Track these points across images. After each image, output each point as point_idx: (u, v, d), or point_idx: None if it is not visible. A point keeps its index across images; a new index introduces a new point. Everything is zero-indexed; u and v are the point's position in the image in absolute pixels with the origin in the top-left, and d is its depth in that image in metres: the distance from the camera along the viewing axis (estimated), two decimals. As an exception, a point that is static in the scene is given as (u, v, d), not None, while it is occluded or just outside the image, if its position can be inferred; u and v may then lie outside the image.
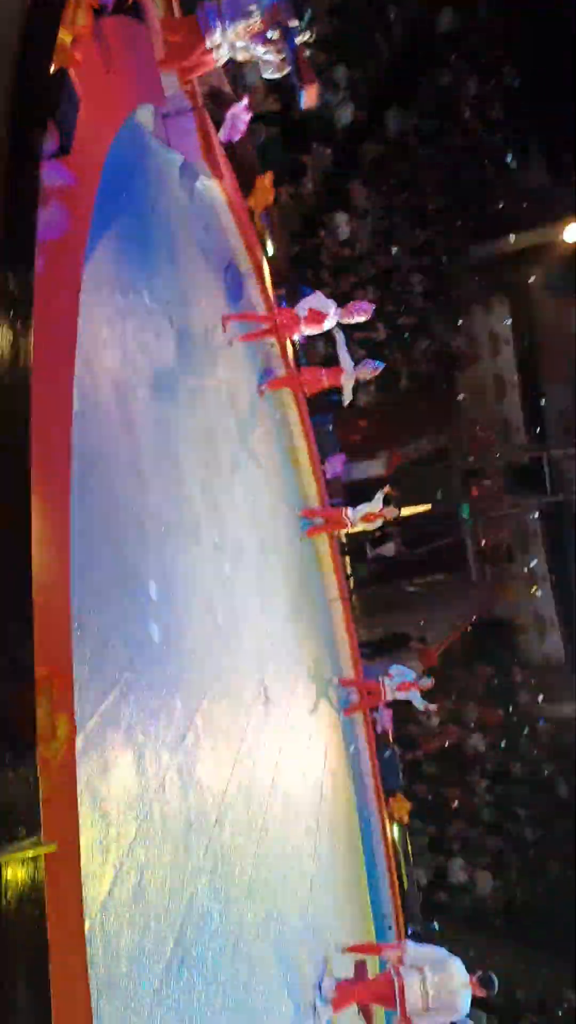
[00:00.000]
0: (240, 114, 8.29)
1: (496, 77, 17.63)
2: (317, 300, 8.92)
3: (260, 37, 6.24)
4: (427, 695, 11.67)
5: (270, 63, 6.39)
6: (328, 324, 8.89)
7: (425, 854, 16.25)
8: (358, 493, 13.75)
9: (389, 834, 11.91)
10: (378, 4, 13.74)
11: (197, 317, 7.48)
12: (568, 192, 18.96)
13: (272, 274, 9.64)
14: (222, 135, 8.23)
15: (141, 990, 3.72)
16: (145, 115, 6.57)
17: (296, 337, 9.64)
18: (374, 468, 15.39)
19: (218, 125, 8.03)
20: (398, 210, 15.29)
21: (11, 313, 2.90)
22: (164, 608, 4.93)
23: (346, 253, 13.40)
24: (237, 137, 8.51)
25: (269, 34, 6.24)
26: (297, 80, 6.51)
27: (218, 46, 6.30)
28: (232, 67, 9.31)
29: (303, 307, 8.93)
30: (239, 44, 6.30)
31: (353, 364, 9.16)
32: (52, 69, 3.34)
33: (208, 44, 6.31)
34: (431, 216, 16.67)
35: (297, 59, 6.42)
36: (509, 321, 20.15)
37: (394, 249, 15.19)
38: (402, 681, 11.53)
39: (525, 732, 20.05)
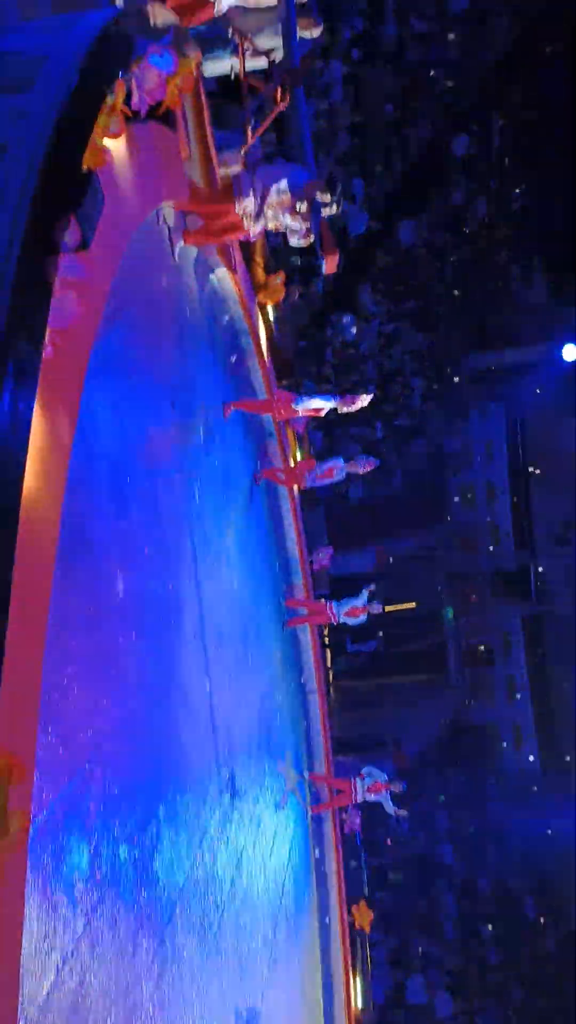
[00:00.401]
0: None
1: (504, 200, 18.56)
2: (318, 401, 9.16)
3: (290, 209, 6.62)
4: (398, 799, 11.40)
5: (296, 231, 6.76)
6: (325, 409, 9.07)
7: (384, 968, 15.56)
8: (343, 586, 13.76)
9: (348, 944, 11.43)
10: (397, 126, 14.58)
11: (199, 403, 7.63)
12: (567, 313, 19.73)
13: (277, 367, 9.88)
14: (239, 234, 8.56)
15: None
16: (167, 209, 6.86)
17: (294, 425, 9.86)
18: (361, 563, 15.43)
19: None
20: (403, 316, 15.85)
21: (16, 393, 2.97)
22: (136, 693, 4.85)
23: (350, 352, 13.81)
24: (254, 237, 8.87)
25: (298, 207, 6.64)
26: (319, 250, 7.02)
27: (249, 215, 6.66)
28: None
29: (303, 405, 9.15)
30: (270, 213, 6.69)
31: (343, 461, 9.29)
32: (82, 168, 3.51)
33: (238, 210, 6.69)
34: (434, 324, 17.26)
35: (321, 231, 6.89)
36: (503, 429, 20.62)
37: (396, 352, 15.67)
38: (374, 782, 11.28)
39: (495, 845, 19.49)
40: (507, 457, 20.57)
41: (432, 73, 14.83)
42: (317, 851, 11.46)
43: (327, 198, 6.75)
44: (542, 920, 19.58)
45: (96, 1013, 3.88)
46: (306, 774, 11.45)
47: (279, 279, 9.51)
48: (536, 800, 21.07)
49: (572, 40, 18.21)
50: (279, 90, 7.59)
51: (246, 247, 8.96)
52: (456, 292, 17.71)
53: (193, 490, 6.99)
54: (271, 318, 9.97)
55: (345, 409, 9.15)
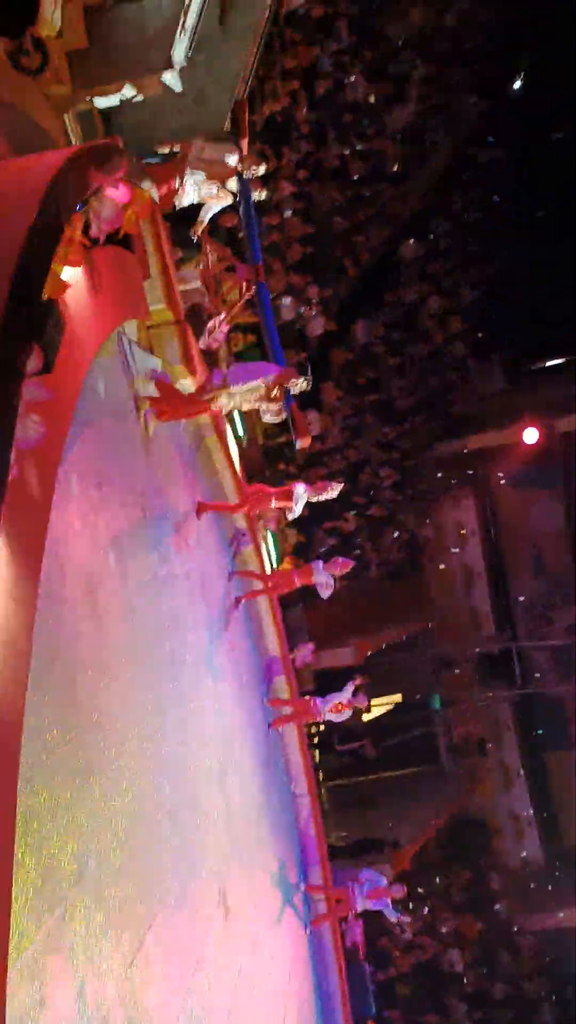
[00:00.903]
0: (219, 326, 9.00)
1: (455, 296, 19.39)
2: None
3: (263, 399, 7.20)
4: (400, 904, 10.96)
5: (269, 411, 7.34)
6: (297, 504, 9.18)
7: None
8: (327, 682, 13.57)
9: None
10: (346, 235, 15.33)
11: (171, 508, 7.68)
12: (525, 397, 20.39)
13: (244, 467, 10.03)
14: (201, 343, 8.86)
15: None
16: (130, 326, 7.09)
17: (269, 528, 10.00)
18: (344, 657, 15.28)
19: (198, 334, 8.66)
20: (366, 409, 16.24)
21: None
22: (117, 812, 4.69)
23: (316, 448, 14.06)
24: (216, 345, 9.17)
25: (270, 396, 7.21)
26: (293, 431, 7.76)
27: (221, 407, 7.21)
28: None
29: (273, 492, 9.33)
30: (241, 401, 7.25)
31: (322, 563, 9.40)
32: (43, 297, 3.64)
33: (212, 407, 7.25)
34: (398, 415, 17.70)
35: (293, 414, 7.51)
36: (474, 513, 20.90)
37: (361, 444, 15.99)
38: (373, 888, 10.87)
39: (506, 946, 18.65)
40: (480, 540, 20.77)
41: (376, 187, 15.74)
42: (319, 966, 10.89)
43: (298, 382, 7.22)
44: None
45: None
46: (301, 885, 11.00)
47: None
48: (544, 894, 20.32)
49: (508, 147, 19.53)
50: (243, 284, 8.36)
51: (209, 354, 9.24)
52: (417, 383, 18.26)
53: (170, 597, 6.95)
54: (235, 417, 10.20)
55: (316, 497, 9.28)
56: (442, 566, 20.93)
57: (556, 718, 21.09)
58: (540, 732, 21.05)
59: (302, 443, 8.12)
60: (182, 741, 6.48)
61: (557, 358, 20.95)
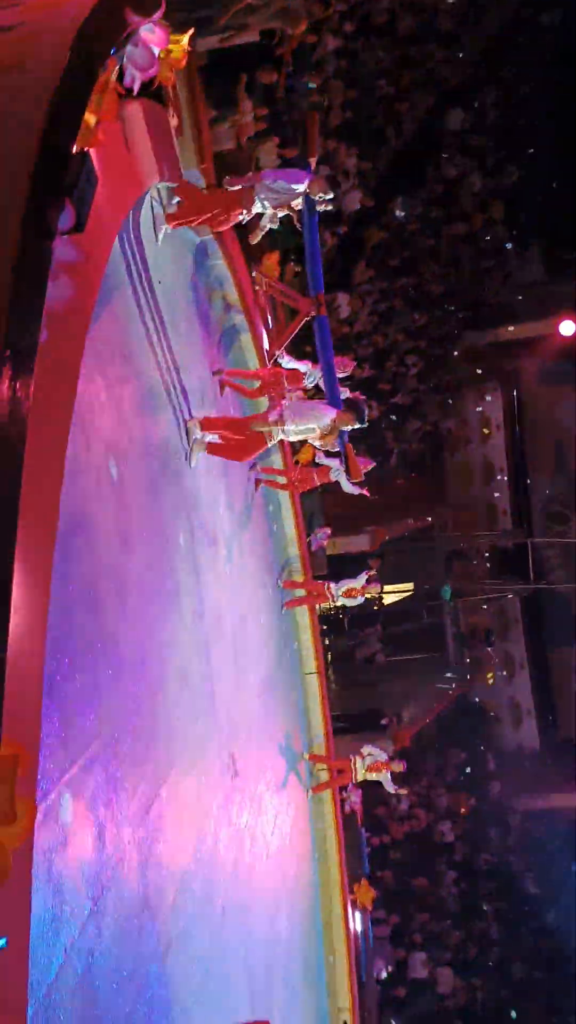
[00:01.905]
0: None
1: (499, 175, 18.39)
2: (298, 364, 9.22)
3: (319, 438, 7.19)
4: (398, 778, 11.47)
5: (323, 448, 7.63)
6: (308, 381, 9.12)
7: (386, 946, 15.72)
8: (342, 567, 13.77)
9: (351, 922, 11.54)
10: (389, 100, 14.39)
11: (195, 384, 7.59)
12: (563, 288, 19.61)
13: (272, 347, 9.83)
14: (233, 213, 8.48)
15: None
16: (160, 190, 6.79)
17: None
18: (359, 543, 15.42)
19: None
20: (398, 294, 15.69)
21: (15, 376, 2.94)
22: (137, 676, 4.86)
23: (344, 331, 13.70)
24: (244, 218, 8.79)
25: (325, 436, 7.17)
26: (345, 469, 8.09)
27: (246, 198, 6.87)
28: (248, 149, 9.70)
29: (288, 363, 9.26)
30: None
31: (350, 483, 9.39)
32: (75, 149, 3.45)
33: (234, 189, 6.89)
34: (430, 302, 17.12)
35: (347, 454, 7.75)
36: (499, 407, 20.56)
37: (391, 330, 15.56)
38: (374, 761, 11.35)
39: (495, 822, 19.65)
40: (504, 435, 20.52)
41: (425, 46, 14.64)
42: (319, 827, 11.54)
43: (353, 424, 7.21)
44: (542, 896, 19.80)
45: (106, 993, 3.91)
46: (306, 755, 11.51)
47: (273, 258, 9.44)
48: (535, 777, 21.23)
49: (567, 13, 18.02)
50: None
51: (239, 226, 8.88)
52: (451, 269, 17.57)
53: (191, 475, 6.96)
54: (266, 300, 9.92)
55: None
56: (463, 459, 20.79)
57: (563, 615, 21.44)
58: (545, 626, 21.44)
59: (354, 479, 8.32)
60: (199, 613, 6.64)
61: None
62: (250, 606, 9.04)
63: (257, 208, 6.86)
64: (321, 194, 7.07)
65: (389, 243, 15.44)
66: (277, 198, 6.87)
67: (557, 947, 19.04)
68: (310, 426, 7.06)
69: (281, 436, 7.11)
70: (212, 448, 6.98)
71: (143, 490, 5.57)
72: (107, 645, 4.46)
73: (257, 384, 9.56)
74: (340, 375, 9.60)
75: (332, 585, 11.40)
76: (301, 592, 11.60)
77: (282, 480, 10.52)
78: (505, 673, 21.27)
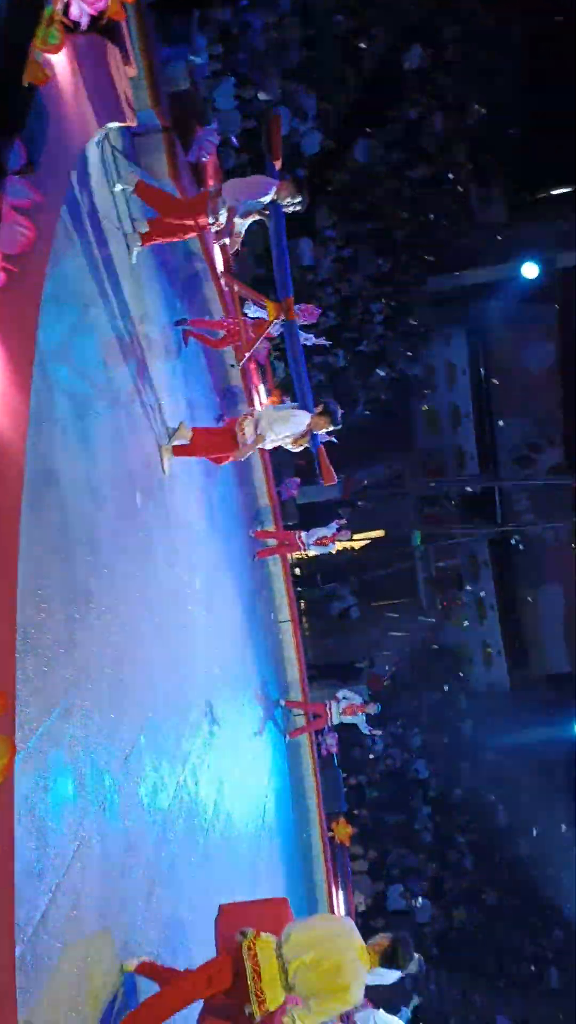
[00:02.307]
0: (208, 136, 8.40)
1: (460, 115, 18.10)
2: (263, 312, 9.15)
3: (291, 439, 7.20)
4: (373, 720, 11.74)
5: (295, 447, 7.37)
6: (274, 330, 9.08)
7: (364, 880, 16.23)
8: (312, 516, 13.84)
9: (330, 857, 11.89)
10: (348, 38, 14.03)
11: (156, 331, 7.49)
12: (526, 230, 19.52)
13: (235, 295, 9.73)
14: (190, 156, 8.31)
15: (73, 1017, 3.65)
16: (113, 133, 6.61)
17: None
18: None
19: (186, 146, 8.11)
20: (361, 239, 15.51)
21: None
22: (112, 625, 4.89)
23: (308, 278, 13.55)
24: (205, 158, 8.61)
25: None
26: (318, 472, 8.01)
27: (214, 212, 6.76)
28: (203, 91, 9.43)
29: (254, 312, 9.22)
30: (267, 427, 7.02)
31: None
32: (23, 84, 3.34)
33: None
34: (393, 246, 16.96)
35: (320, 457, 7.74)
36: (465, 352, 20.57)
37: (356, 277, 15.40)
38: (349, 704, 11.59)
39: (468, 759, 20.22)
40: (470, 380, 20.58)
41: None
42: (297, 769, 11.79)
43: (328, 428, 7.16)
44: (513, 827, 20.52)
45: (89, 925, 4.01)
46: (282, 700, 11.71)
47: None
48: (505, 715, 21.82)
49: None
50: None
51: (198, 171, 8.69)
52: (414, 213, 17.37)
53: (159, 425, 6.91)
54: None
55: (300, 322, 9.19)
56: (430, 405, 20.85)
57: (532, 556, 21.83)
58: (514, 568, 21.81)
59: (327, 483, 8.29)
60: (171, 564, 6.66)
61: (563, 187, 19.91)
62: (222, 557, 9.08)
63: (224, 216, 6.73)
64: (289, 199, 6.96)
65: (352, 187, 15.20)
66: (245, 208, 6.77)
67: (528, 873, 19.83)
68: (285, 433, 7.07)
69: (222, 217, 6.91)
70: (178, 450, 6.98)
71: (110, 440, 5.53)
72: (80, 596, 4.47)
73: (222, 334, 9.49)
74: (305, 323, 9.58)
75: (303, 534, 11.48)
76: (272, 542, 11.67)
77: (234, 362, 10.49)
78: (476, 615, 21.69)
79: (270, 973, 3.95)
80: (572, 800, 21.37)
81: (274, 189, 6.79)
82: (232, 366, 10.47)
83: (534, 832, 20.58)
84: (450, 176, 18.35)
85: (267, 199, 6.81)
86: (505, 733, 21.54)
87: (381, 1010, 7.41)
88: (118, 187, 6.51)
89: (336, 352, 15.35)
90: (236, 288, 8.87)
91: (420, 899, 16.77)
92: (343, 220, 14.72)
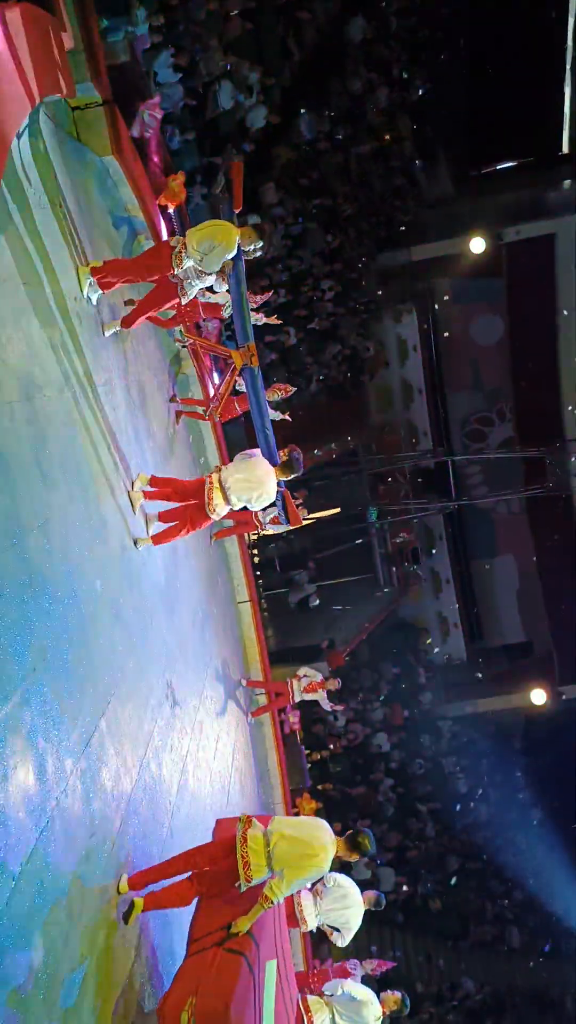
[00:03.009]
0: (152, 111, 8.25)
1: (404, 88, 18.05)
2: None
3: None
4: (334, 696, 11.83)
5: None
6: (226, 312, 9.05)
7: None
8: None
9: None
10: (290, 10, 13.84)
11: (106, 308, 7.37)
12: (472, 204, 19.63)
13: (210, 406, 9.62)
14: (133, 131, 8.15)
15: (33, 1004, 3.64)
16: (53, 106, 6.45)
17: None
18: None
19: (129, 121, 7.95)
20: (309, 215, 15.42)
21: None
22: (68, 611, 4.83)
23: (257, 256, 13.41)
24: (148, 134, 8.46)
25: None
26: (282, 516, 8.23)
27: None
28: (144, 63, 9.23)
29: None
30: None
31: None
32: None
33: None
34: (343, 222, 16.90)
35: (285, 501, 7.78)
36: (416, 328, 20.67)
37: (305, 254, 15.31)
38: (310, 682, 11.65)
39: (428, 730, 20.57)
40: (421, 356, 20.70)
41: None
42: (259, 749, 11.85)
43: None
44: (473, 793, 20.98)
45: (56, 917, 3.99)
46: (243, 680, 11.73)
47: (179, 179, 9.11)
48: (463, 686, 22.23)
49: None
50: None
51: (142, 147, 8.53)
52: (361, 188, 17.32)
53: (111, 407, 6.82)
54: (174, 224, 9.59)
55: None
56: (382, 382, 20.93)
57: (485, 529, 22.18)
58: (468, 541, 22.15)
59: (293, 525, 8.42)
60: (126, 547, 6.60)
61: (508, 161, 20.04)
62: (179, 540, 9.02)
63: (188, 264, 6.64)
64: (251, 245, 6.91)
65: (298, 162, 15.07)
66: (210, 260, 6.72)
67: (489, 838, 20.31)
68: (254, 502, 7.11)
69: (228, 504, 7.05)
70: (157, 538, 7.03)
71: (62, 424, 5.44)
72: (34, 581, 4.41)
73: (172, 314, 9.37)
74: (254, 306, 9.51)
75: (259, 513, 11.44)
76: (229, 522, 11.63)
77: (202, 410, 10.42)
78: (432, 588, 21.98)
79: (255, 847, 4.95)
80: (528, 765, 21.95)
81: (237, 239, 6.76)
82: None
83: (492, 798, 21.08)
84: (396, 151, 18.33)
85: (231, 254, 6.75)
86: (463, 702, 21.98)
87: (349, 980, 7.55)
88: (108, 332, 6.65)
89: (287, 330, 15.27)
90: (197, 342, 8.72)
91: (384, 868, 17.06)
92: (290, 196, 14.60)
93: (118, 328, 6.97)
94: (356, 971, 7.91)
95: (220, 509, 7.04)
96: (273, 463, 7.32)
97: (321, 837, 5.12)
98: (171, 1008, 4.38)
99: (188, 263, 6.64)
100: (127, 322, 6.98)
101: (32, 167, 5.78)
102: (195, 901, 5.22)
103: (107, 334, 6.89)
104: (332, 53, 15.50)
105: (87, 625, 5.15)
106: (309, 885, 7.03)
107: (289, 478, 7.36)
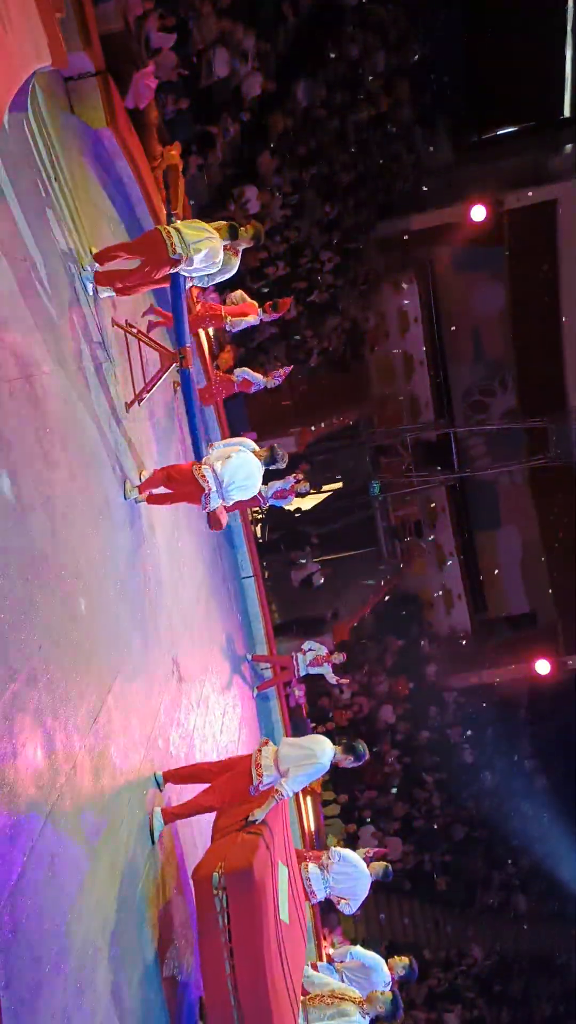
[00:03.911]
0: (146, 79, 8.11)
1: (402, 53, 17.71)
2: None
3: None
4: (339, 669, 11.86)
5: None
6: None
7: (337, 823, 16.60)
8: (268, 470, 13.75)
9: (302, 808, 12.10)
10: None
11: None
12: (472, 171, 19.34)
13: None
14: (128, 101, 8.01)
15: (54, 986, 3.68)
16: (46, 78, 6.32)
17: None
18: (285, 446, 15.39)
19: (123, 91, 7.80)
20: (308, 184, 15.19)
21: None
22: (72, 589, 4.82)
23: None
24: (143, 104, 8.31)
25: None
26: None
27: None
28: (137, 31, 9.05)
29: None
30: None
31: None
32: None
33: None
34: (341, 191, 16.66)
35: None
36: (416, 298, 20.46)
37: (304, 224, 15.10)
38: (315, 656, 11.68)
39: (433, 701, 20.67)
40: (422, 327, 20.50)
41: None
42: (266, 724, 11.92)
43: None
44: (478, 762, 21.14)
45: (68, 888, 4.02)
46: (248, 655, 11.77)
47: (175, 151, 8.97)
48: (468, 657, 22.30)
49: None
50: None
51: (138, 119, 8.38)
52: (360, 156, 17.05)
53: (108, 386, 6.76)
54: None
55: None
56: (382, 354, 20.76)
57: (488, 500, 22.12)
58: (471, 513, 22.12)
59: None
60: (129, 523, 6.58)
61: (509, 126, 19.69)
62: (182, 514, 9.00)
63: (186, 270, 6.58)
64: (245, 244, 7.17)
65: (295, 130, 14.82)
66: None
67: (494, 807, 20.48)
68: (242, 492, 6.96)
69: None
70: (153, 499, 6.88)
71: (63, 401, 5.40)
72: (38, 559, 4.39)
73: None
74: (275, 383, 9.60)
75: (261, 488, 11.40)
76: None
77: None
78: (436, 561, 21.98)
79: (267, 753, 5.87)
80: (534, 734, 22.09)
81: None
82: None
83: (498, 767, 21.24)
84: (394, 117, 18.02)
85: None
86: (468, 674, 22.05)
87: (358, 947, 7.65)
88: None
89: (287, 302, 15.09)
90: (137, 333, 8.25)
91: (391, 838, 17.23)
92: (288, 166, 14.37)
93: (111, 294, 6.75)
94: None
95: (211, 484, 6.81)
96: (198, 458, 7.31)
97: (321, 742, 6.03)
98: (203, 872, 5.14)
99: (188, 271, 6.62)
100: (99, 258, 6.58)
101: (26, 141, 5.69)
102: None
103: (101, 295, 6.65)
104: (328, 17, 15.19)
105: (92, 603, 5.14)
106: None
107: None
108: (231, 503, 7.13)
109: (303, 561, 17.33)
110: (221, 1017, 4.99)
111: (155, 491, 6.86)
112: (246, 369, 10.23)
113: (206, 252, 6.57)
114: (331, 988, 6.36)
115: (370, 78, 16.62)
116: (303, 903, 6.83)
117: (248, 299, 9.40)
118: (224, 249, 6.90)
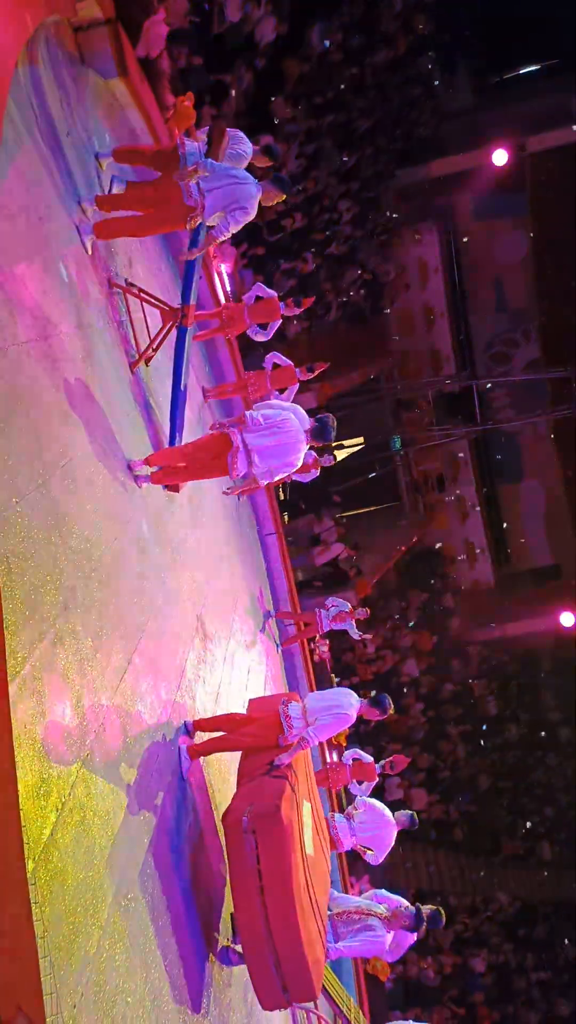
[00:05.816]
0: (157, 27, 7.89)
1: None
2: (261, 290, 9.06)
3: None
4: (362, 624, 11.90)
5: None
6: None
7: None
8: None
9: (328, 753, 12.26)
10: None
11: (119, 246, 7.19)
12: (493, 113, 18.75)
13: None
14: (139, 49, 7.81)
15: (87, 926, 3.78)
16: (55, 29, 6.17)
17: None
18: (305, 400, 15.29)
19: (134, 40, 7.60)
20: (324, 132, 14.82)
21: None
22: (96, 548, 4.85)
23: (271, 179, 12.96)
24: (155, 52, 8.10)
25: None
26: None
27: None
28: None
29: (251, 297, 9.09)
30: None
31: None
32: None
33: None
34: (359, 139, 16.24)
35: None
36: (437, 249, 20.05)
37: (321, 174, 14.76)
38: (338, 612, 11.72)
39: (457, 655, 20.78)
40: (443, 278, 20.13)
41: None
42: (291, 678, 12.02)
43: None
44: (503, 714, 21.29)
45: (91, 842, 4.11)
46: (272, 612, 11.85)
47: (188, 101, 8.75)
48: (491, 611, 22.32)
49: None
50: None
51: (150, 68, 8.18)
52: (378, 101, 16.56)
53: (120, 345, 6.71)
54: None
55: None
56: (403, 306, 20.43)
57: (511, 452, 21.91)
58: (494, 466, 21.93)
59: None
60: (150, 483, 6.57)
61: (530, 65, 19.03)
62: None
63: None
64: (275, 201, 6.82)
65: (311, 76, 14.40)
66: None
67: (519, 758, 20.68)
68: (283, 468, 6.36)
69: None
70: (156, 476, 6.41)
71: (81, 360, 5.37)
72: (60, 521, 4.41)
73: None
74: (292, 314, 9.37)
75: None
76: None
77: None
78: (458, 514, 21.90)
79: (295, 704, 6.17)
80: (559, 687, 22.16)
81: (257, 197, 6.43)
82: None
83: (522, 719, 21.38)
84: (412, 60, 17.45)
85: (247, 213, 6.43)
86: (491, 627, 22.11)
87: (383, 889, 7.81)
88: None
89: (305, 256, 14.86)
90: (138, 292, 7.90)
91: (417, 789, 17.46)
92: (304, 113, 14.00)
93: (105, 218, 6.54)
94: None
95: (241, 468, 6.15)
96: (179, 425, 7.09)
97: (348, 694, 6.32)
98: (232, 815, 5.36)
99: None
100: (101, 203, 6.22)
101: (40, 93, 5.57)
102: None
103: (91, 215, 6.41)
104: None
105: (115, 563, 5.17)
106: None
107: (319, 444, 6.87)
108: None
109: (326, 539, 17.09)
110: (253, 941, 5.27)
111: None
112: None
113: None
114: (357, 905, 6.80)
115: (387, 18, 16.06)
116: (325, 831, 7.15)
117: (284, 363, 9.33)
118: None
